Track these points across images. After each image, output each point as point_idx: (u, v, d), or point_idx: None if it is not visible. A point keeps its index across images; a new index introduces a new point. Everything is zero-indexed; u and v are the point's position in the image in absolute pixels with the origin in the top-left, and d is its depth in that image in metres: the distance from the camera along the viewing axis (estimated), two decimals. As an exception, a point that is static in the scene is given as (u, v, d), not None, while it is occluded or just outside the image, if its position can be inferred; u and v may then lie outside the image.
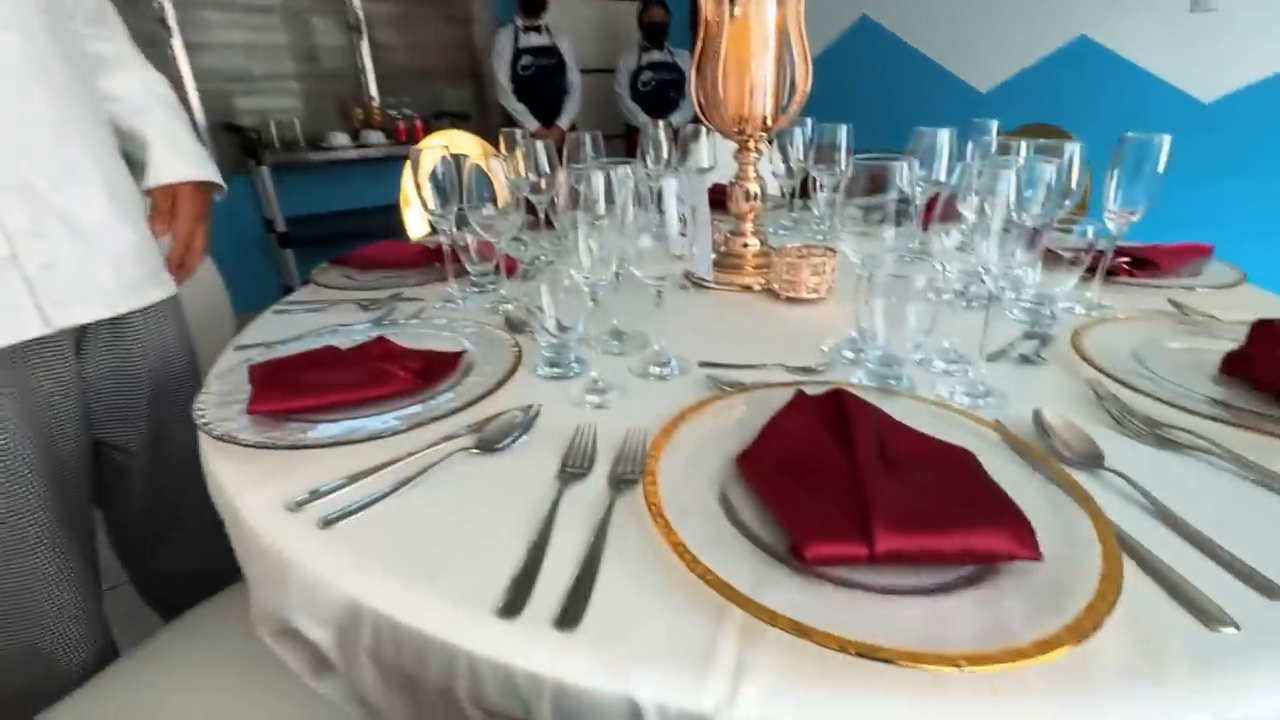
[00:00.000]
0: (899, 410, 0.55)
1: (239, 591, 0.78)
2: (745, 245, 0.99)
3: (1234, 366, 0.62)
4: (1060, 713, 0.31)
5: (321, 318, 0.89)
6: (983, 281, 0.62)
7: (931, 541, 0.38)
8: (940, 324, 0.61)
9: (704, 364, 0.70)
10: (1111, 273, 0.92)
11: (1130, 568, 0.40)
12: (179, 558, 0.97)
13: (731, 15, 0.87)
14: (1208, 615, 0.36)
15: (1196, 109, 2.20)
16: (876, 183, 0.71)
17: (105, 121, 0.82)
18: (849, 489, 0.43)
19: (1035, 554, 0.38)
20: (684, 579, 0.38)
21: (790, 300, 0.90)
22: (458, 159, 0.90)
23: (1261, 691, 0.32)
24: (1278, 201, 2.10)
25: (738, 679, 0.33)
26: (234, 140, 2.87)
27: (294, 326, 0.84)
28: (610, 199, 0.60)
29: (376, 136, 3.12)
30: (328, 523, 0.46)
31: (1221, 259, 1.00)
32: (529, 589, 0.39)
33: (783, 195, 1.48)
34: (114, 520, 0.94)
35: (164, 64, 2.72)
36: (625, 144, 3.80)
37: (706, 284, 0.97)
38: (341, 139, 3.03)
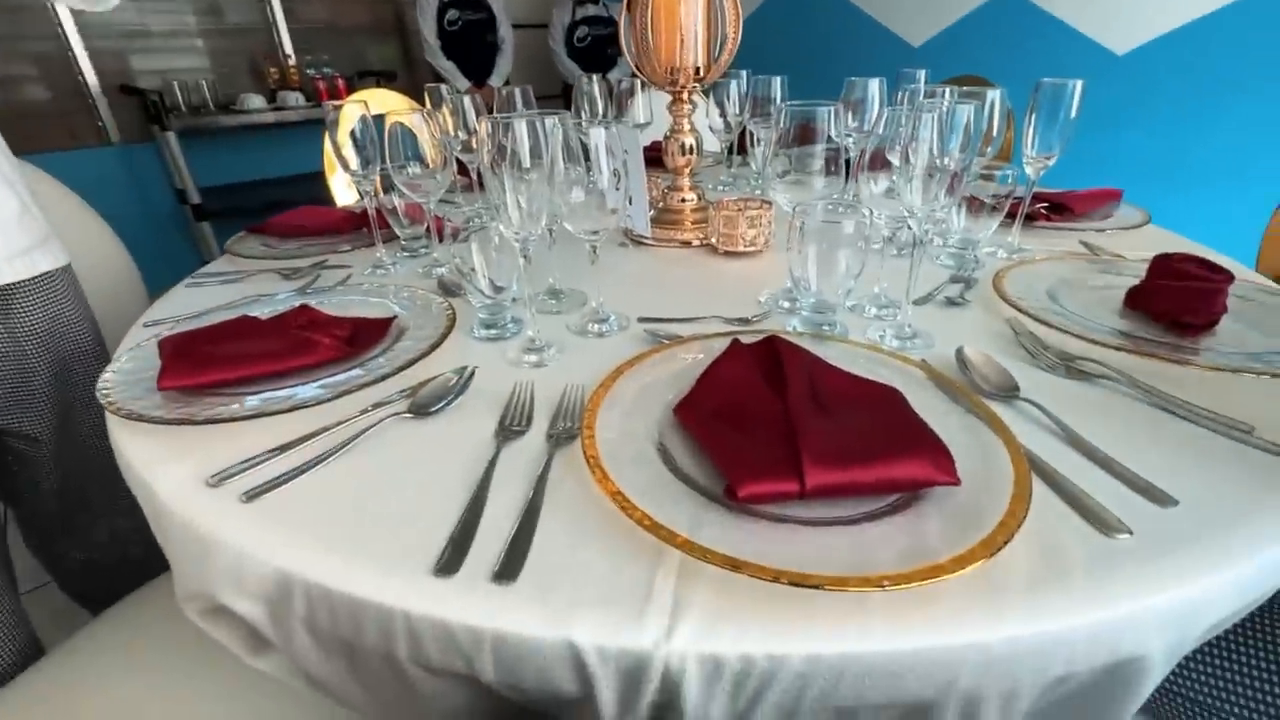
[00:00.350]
0: (832, 354, 0.56)
1: (168, 580, 0.75)
2: (683, 200, 0.98)
3: (1136, 300, 0.67)
4: (973, 619, 0.33)
5: (239, 289, 0.84)
6: (909, 227, 0.63)
7: (857, 474, 0.40)
8: (870, 269, 0.63)
9: (643, 319, 0.69)
10: (1030, 218, 0.96)
11: (1040, 487, 0.43)
12: (98, 547, 0.92)
13: (659, -41, 0.84)
14: (1106, 524, 0.39)
15: (1111, 60, 2.29)
16: (807, 132, 0.71)
17: None
18: (781, 429, 0.44)
19: (953, 479, 0.40)
20: (622, 526, 0.39)
21: (728, 254, 0.90)
22: (379, 117, 0.85)
23: (1152, 588, 0.35)
24: (1182, 146, 2.23)
25: (675, 615, 0.34)
26: (134, 104, 2.63)
27: (209, 299, 0.78)
28: (538, 153, 0.57)
29: (295, 98, 2.91)
30: (251, 496, 0.44)
31: (1130, 202, 1.05)
32: (466, 546, 0.39)
33: (721, 151, 1.47)
34: (24, 513, 0.88)
35: (41, 20, 2.45)
36: (564, 104, 3.68)
37: (645, 240, 0.96)
38: (256, 101, 2.82)
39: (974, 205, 0.81)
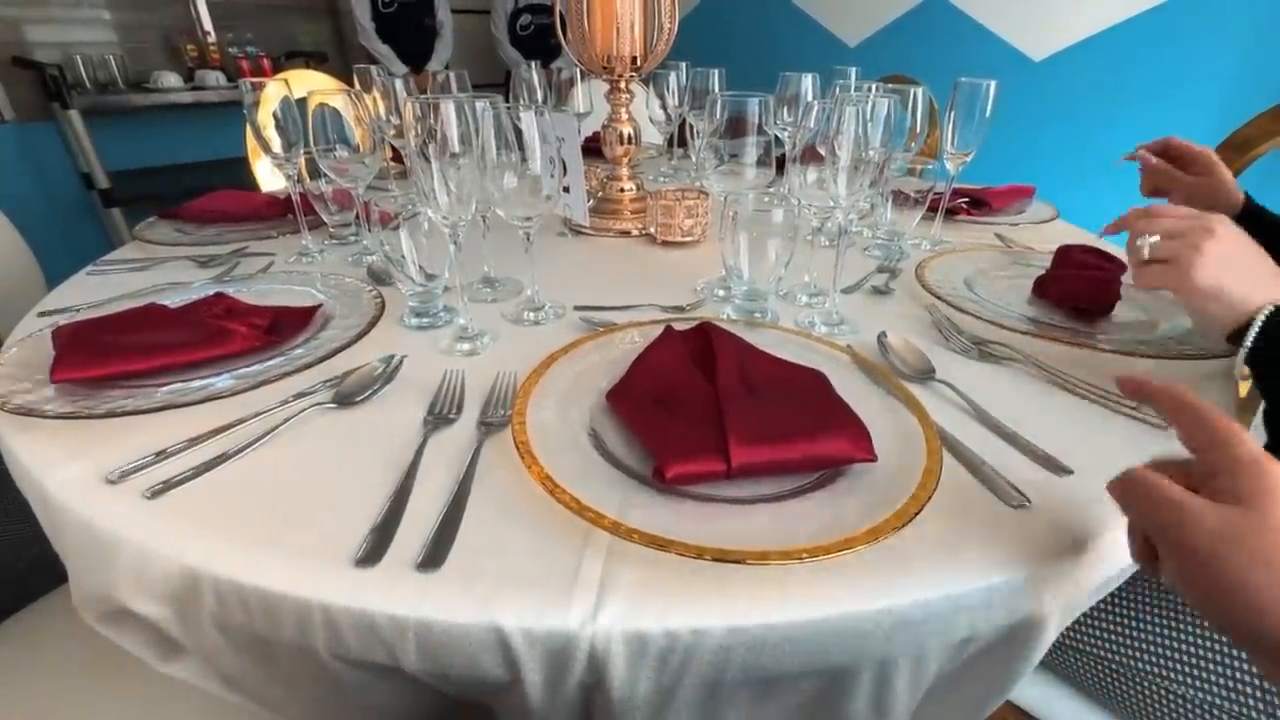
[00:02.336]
0: (763, 340, 0.58)
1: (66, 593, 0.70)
2: (622, 190, 0.98)
3: (1041, 288, 0.71)
4: (885, 587, 0.35)
5: (148, 277, 0.79)
6: (836, 219, 0.65)
7: (780, 452, 0.41)
8: (800, 259, 0.65)
9: (579, 308, 0.69)
10: (952, 212, 1.01)
11: (950, 461, 0.45)
12: None
13: (594, -54, 0.83)
14: (1007, 495, 0.42)
15: (1029, 66, 2.43)
16: (741, 124, 0.72)
17: None
18: (710, 412, 0.45)
19: (870, 455, 0.42)
20: (551, 510, 0.39)
21: (666, 244, 0.91)
22: (302, 99, 0.81)
23: (1047, 551, 0.38)
24: (1093, 147, 2.39)
25: (601, 595, 0.34)
26: (30, 78, 2.41)
27: (113, 288, 0.73)
28: (468, 137, 0.56)
29: (215, 78, 2.73)
30: (156, 492, 0.41)
31: (1042, 199, 1.12)
32: (390, 535, 0.38)
33: (663, 143, 1.48)
34: None
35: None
36: (506, 92, 3.61)
37: (584, 230, 0.96)
38: (171, 79, 2.63)
39: (900, 199, 0.85)
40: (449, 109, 0.53)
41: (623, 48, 0.87)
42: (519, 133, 0.60)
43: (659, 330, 0.58)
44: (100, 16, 2.63)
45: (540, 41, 3.37)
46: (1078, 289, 0.66)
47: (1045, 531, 0.40)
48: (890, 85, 0.86)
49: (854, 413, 0.46)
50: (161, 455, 0.44)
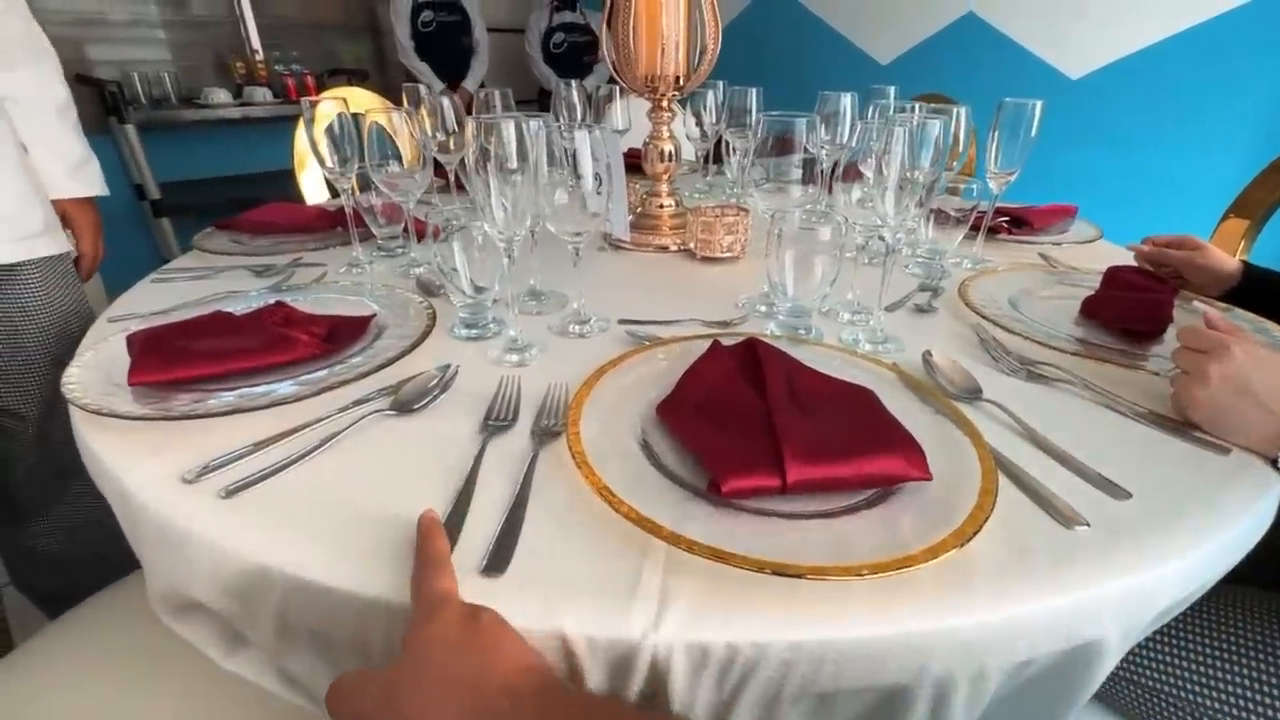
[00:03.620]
0: (808, 356, 0.58)
1: (134, 583, 0.73)
2: (661, 206, 0.99)
3: (1090, 309, 0.70)
4: (945, 606, 0.35)
5: (209, 285, 0.82)
6: (881, 238, 0.66)
7: (836, 469, 0.41)
8: (845, 275, 0.65)
9: (623, 321, 0.70)
10: (993, 230, 1.00)
11: (1004, 483, 0.45)
12: (70, 540, 0.90)
13: (642, -31, 0.85)
14: (1065, 517, 0.42)
15: (1066, 84, 2.41)
16: (785, 143, 0.74)
17: None
18: (762, 427, 0.45)
19: (925, 474, 0.42)
20: (609, 520, 0.40)
21: (706, 259, 0.92)
22: (356, 115, 0.84)
23: (1108, 575, 0.38)
24: (1131, 167, 2.35)
25: (662, 606, 0.35)
26: (90, 94, 2.53)
27: (176, 295, 0.77)
28: (523, 154, 0.58)
29: (262, 94, 2.84)
30: (230, 492, 0.43)
31: (1084, 218, 1.11)
32: (453, 538, 0.39)
33: (697, 159, 1.50)
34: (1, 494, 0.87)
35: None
36: (539, 108, 3.68)
37: (624, 245, 0.97)
38: (221, 96, 2.74)
39: (941, 218, 0.84)
40: (509, 129, 0.55)
41: (667, 68, 0.89)
42: (567, 151, 0.62)
43: (705, 345, 0.59)
44: (156, 36, 2.76)
45: (573, 59, 3.44)
46: (1130, 310, 0.66)
47: (1105, 555, 0.39)
48: (933, 106, 0.86)
49: (906, 430, 0.46)
50: (234, 456, 0.46)
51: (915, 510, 0.41)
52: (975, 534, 0.38)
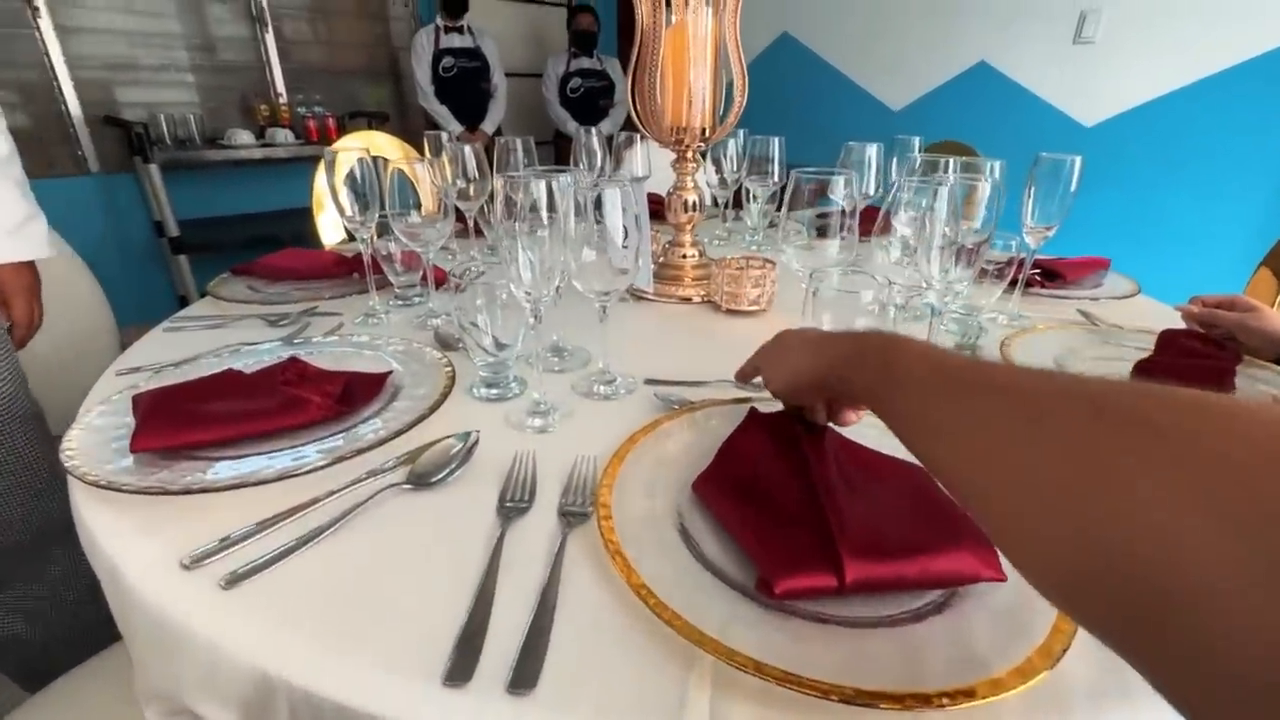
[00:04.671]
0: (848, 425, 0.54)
1: (119, 652, 0.68)
2: (684, 256, 0.97)
3: (1145, 374, 0.66)
4: (1041, 744, 0.31)
5: (221, 335, 0.80)
6: (923, 298, 0.63)
7: (898, 568, 0.37)
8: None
9: (650, 381, 0.67)
10: (1026, 284, 0.97)
11: (1083, 581, 0.40)
12: (40, 610, 0.84)
13: (668, 23, 0.85)
14: (1159, 627, 0.37)
15: (1080, 131, 2.42)
16: (815, 196, 0.71)
17: None
18: (810, 515, 0.41)
19: (999, 574, 0.38)
20: (647, 623, 0.36)
21: (731, 312, 0.89)
22: (377, 161, 0.83)
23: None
24: (1149, 212, 2.34)
25: (713, 736, 0.31)
26: (116, 135, 2.59)
27: (188, 346, 0.74)
28: (551, 209, 0.56)
29: (284, 135, 2.90)
30: (232, 581, 0.39)
31: (1116, 270, 1.08)
32: (477, 648, 0.35)
33: (715, 205, 1.49)
34: None
35: (27, 47, 2.42)
36: (554, 149, 3.74)
37: (646, 295, 0.95)
38: (244, 137, 2.80)
39: (978, 272, 0.82)
40: (539, 187, 0.52)
41: (693, 120, 0.88)
42: (594, 202, 0.60)
43: (741, 411, 0.55)
44: (185, 80, 2.84)
45: (589, 103, 3.50)
46: (1190, 380, 0.61)
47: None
48: (964, 160, 0.84)
49: (968, 519, 0.42)
50: (236, 540, 0.43)
51: (988, 616, 0.37)
52: (1065, 651, 0.33)
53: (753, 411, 0.55)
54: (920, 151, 1.09)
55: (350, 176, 0.83)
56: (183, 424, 0.52)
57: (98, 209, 2.65)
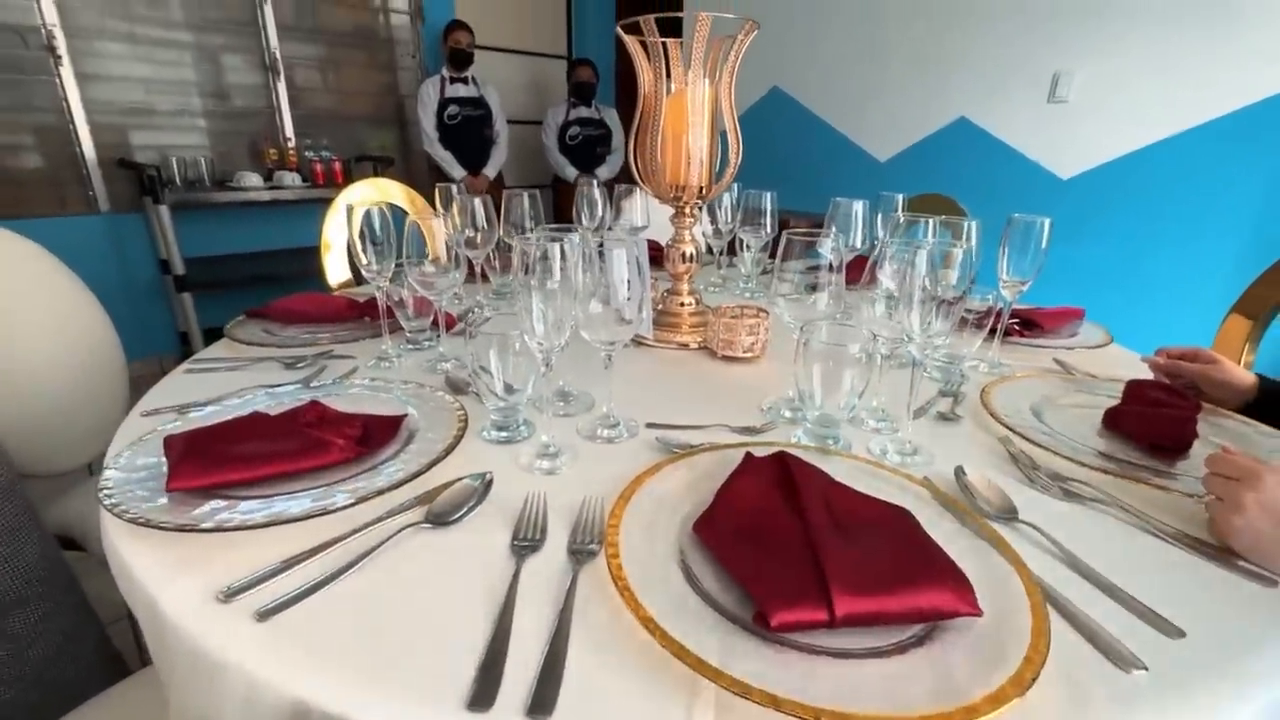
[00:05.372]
0: (839, 469, 0.58)
1: (142, 682, 0.70)
2: (682, 304, 1.02)
3: (1114, 422, 0.71)
4: (1012, 765, 0.34)
5: (241, 377, 0.83)
6: (910, 353, 0.67)
7: (883, 603, 0.41)
8: (871, 386, 0.66)
9: (651, 425, 0.71)
10: (1005, 332, 1.03)
11: (1053, 615, 0.44)
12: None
13: (669, 91, 0.92)
14: (1122, 659, 0.41)
15: (1057, 183, 2.53)
16: (805, 249, 0.77)
17: None
18: (804, 553, 0.45)
19: (976, 610, 0.41)
20: (654, 653, 0.39)
21: (727, 358, 0.94)
22: (394, 210, 0.89)
23: (1172, 728, 0.36)
24: (1124, 261, 2.43)
25: (716, 757, 0.34)
26: (130, 176, 2.66)
27: (210, 388, 0.78)
28: (564, 270, 0.61)
29: (291, 178, 2.99)
30: (265, 614, 0.42)
31: (1090, 320, 1.14)
32: (498, 675, 0.38)
33: (710, 252, 1.55)
34: None
35: (47, 92, 2.51)
36: (553, 194, 3.86)
37: (645, 341, 1.00)
38: (253, 179, 2.88)
39: (957, 323, 0.87)
40: (554, 250, 0.57)
41: (691, 179, 0.94)
42: (599, 256, 0.65)
43: (738, 455, 0.59)
44: (197, 124, 2.94)
45: (587, 150, 3.63)
46: (1154, 427, 0.66)
47: (1169, 702, 0.38)
48: (944, 219, 0.90)
49: (950, 559, 0.45)
50: (270, 573, 0.46)
51: (966, 648, 0.40)
52: (1034, 680, 0.37)
53: (748, 456, 0.59)
54: (902, 210, 1.16)
55: (368, 227, 0.89)
56: (214, 464, 0.55)
57: (104, 245, 2.70)
